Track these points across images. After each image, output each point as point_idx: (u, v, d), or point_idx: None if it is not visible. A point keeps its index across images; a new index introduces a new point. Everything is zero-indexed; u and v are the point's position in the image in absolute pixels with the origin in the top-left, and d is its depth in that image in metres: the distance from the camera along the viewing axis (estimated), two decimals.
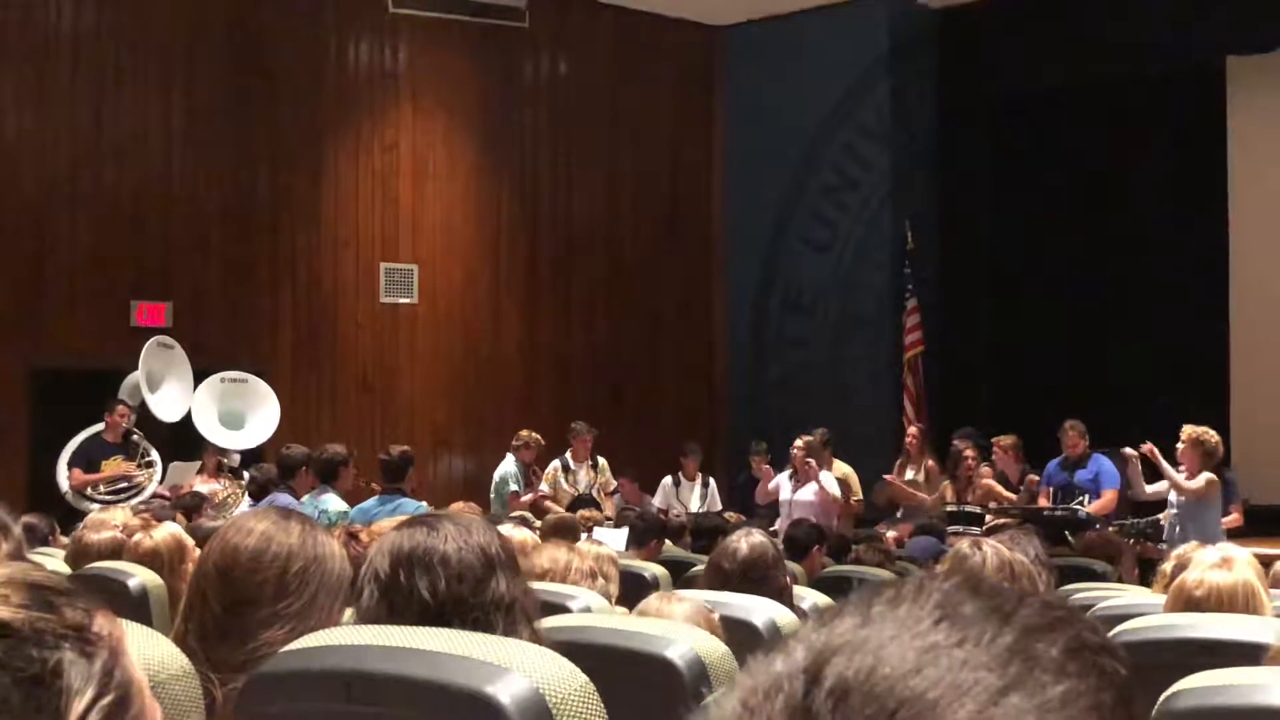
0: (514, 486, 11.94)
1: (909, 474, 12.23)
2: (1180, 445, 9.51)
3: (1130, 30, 13.42)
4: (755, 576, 4.22)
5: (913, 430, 12.67)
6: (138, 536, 4.69)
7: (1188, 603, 3.10)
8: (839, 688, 0.78)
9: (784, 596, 4.16)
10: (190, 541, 4.74)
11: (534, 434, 12.16)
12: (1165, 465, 9.49)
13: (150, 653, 1.93)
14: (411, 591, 2.32)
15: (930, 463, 12.07)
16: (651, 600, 3.29)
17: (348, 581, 2.55)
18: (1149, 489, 9.82)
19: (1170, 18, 13.20)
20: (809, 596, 4.57)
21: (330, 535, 2.67)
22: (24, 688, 1.09)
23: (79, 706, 1.10)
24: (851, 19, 14.59)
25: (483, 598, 2.33)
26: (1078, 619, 0.84)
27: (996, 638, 0.80)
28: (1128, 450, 9.92)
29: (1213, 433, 9.53)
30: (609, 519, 10.93)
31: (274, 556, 2.50)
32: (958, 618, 0.81)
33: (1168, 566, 4.05)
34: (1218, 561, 3.28)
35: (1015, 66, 14.49)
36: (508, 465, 12.16)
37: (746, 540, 4.37)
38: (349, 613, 2.52)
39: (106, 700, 1.12)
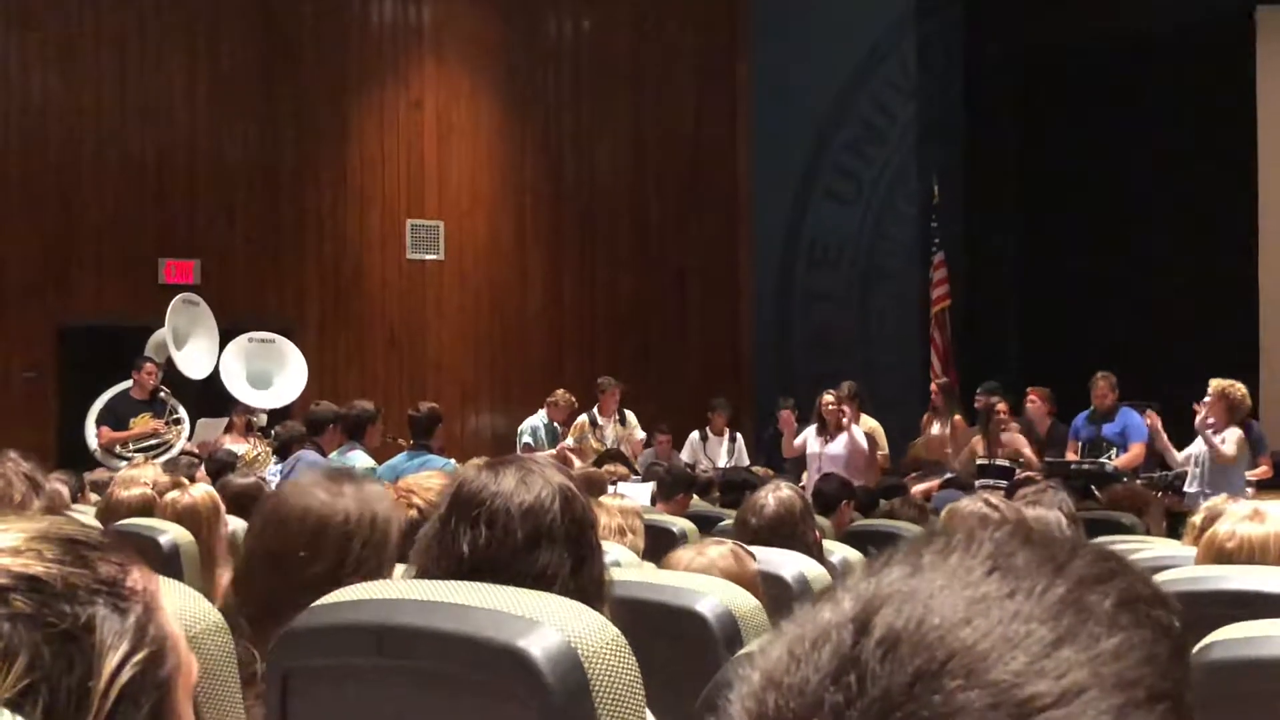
0: (528, 440, 11.96)
1: (934, 428, 12.20)
2: (1207, 399, 9.46)
3: None
4: (784, 532, 4.21)
5: (935, 385, 12.62)
6: (173, 494, 4.71)
7: (1219, 555, 3.09)
8: (888, 638, 0.77)
9: (813, 551, 4.16)
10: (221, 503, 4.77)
11: (569, 395, 12.17)
12: (1172, 453, 9.50)
13: (182, 608, 1.94)
14: (455, 540, 2.23)
15: (957, 417, 12.02)
16: (682, 551, 3.29)
17: (398, 539, 2.50)
18: (1180, 455, 9.78)
19: None
20: (838, 551, 4.57)
21: (380, 488, 2.60)
22: (56, 643, 1.09)
23: (112, 661, 1.10)
24: None
25: (521, 566, 2.20)
26: (1130, 570, 0.83)
27: (1049, 589, 0.79)
28: (1147, 421, 9.93)
29: (1239, 385, 9.48)
30: (636, 474, 10.97)
31: (327, 531, 2.43)
32: (1010, 568, 0.80)
33: (1197, 519, 4.03)
34: (1249, 514, 3.27)
35: (1042, 19, 14.36)
36: (535, 419, 12.19)
37: (774, 495, 4.36)
38: (399, 568, 2.49)
39: (140, 655, 1.12)
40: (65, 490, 6.08)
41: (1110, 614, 0.79)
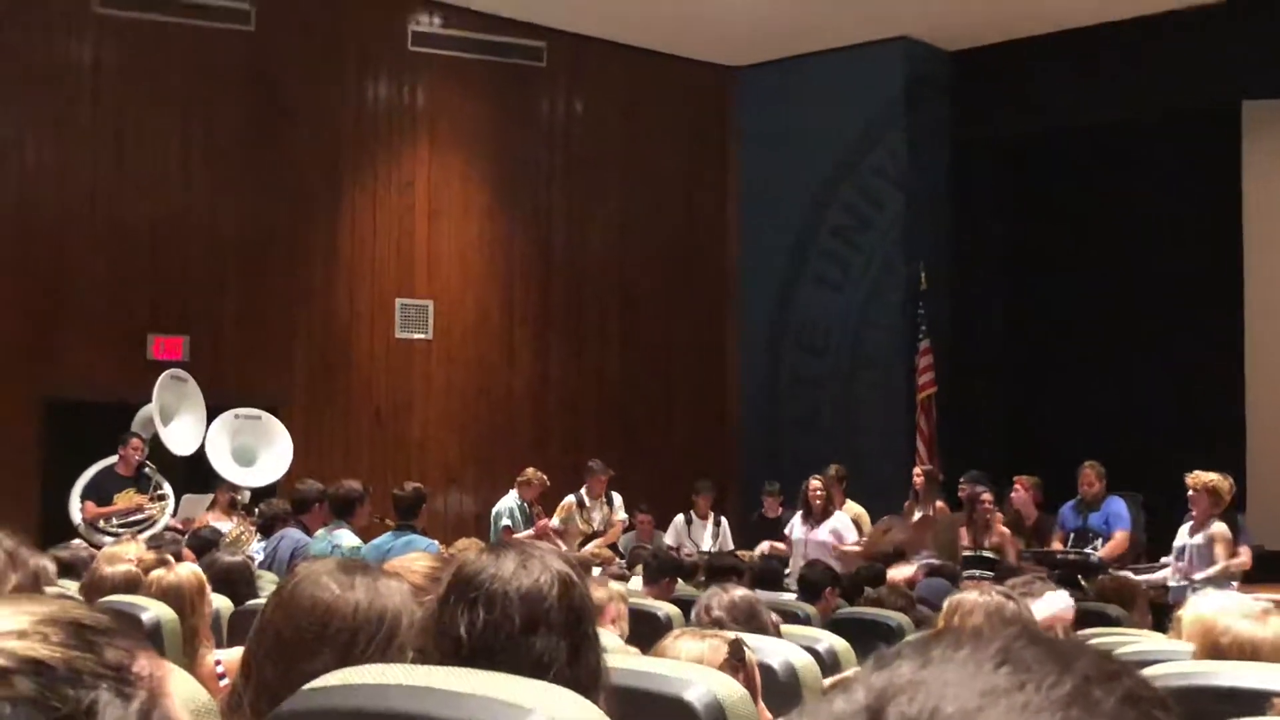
0: (506, 521, 11.93)
1: (916, 515, 12.18)
2: (1190, 492, 9.49)
3: (1145, 73, 13.46)
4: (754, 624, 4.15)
5: (917, 471, 12.61)
6: (159, 572, 4.70)
7: (1213, 650, 3.09)
8: None
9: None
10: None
11: (540, 474, 12.14)
12: (1203, 570, 9.51)
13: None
14: (453, 621, 2.21)
15: (939, 503, 12.01)
16: (669, 638, 3.27)
17: (406, 633, 2.46)
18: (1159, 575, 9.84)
19: (1186, 61, 13.24)
20: (824, 639, 4.54)
21: (398, 584, 2.57)
22: None
23: None
24: (866, 60, 14.65)
25: (518, 651, 2.18)
26: (1131, 671, 0.86)
27: (1057, 684, 0.80)
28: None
29: (1220, 478, 9.51)
30: (621, 557, 10.95)
31: (334, 623, 2.40)
32: (1019, 662, 0.82)
33: (1184, 614, 4.04)
34: (1247, 611, 3.28)
35: (1029, 108, 14.53)
36: (508, 500, 12.15)
37: (720, 598, 4.26)
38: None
39: None
40: (52, 567, 6.05)
41: (1114, 710, 0.80)
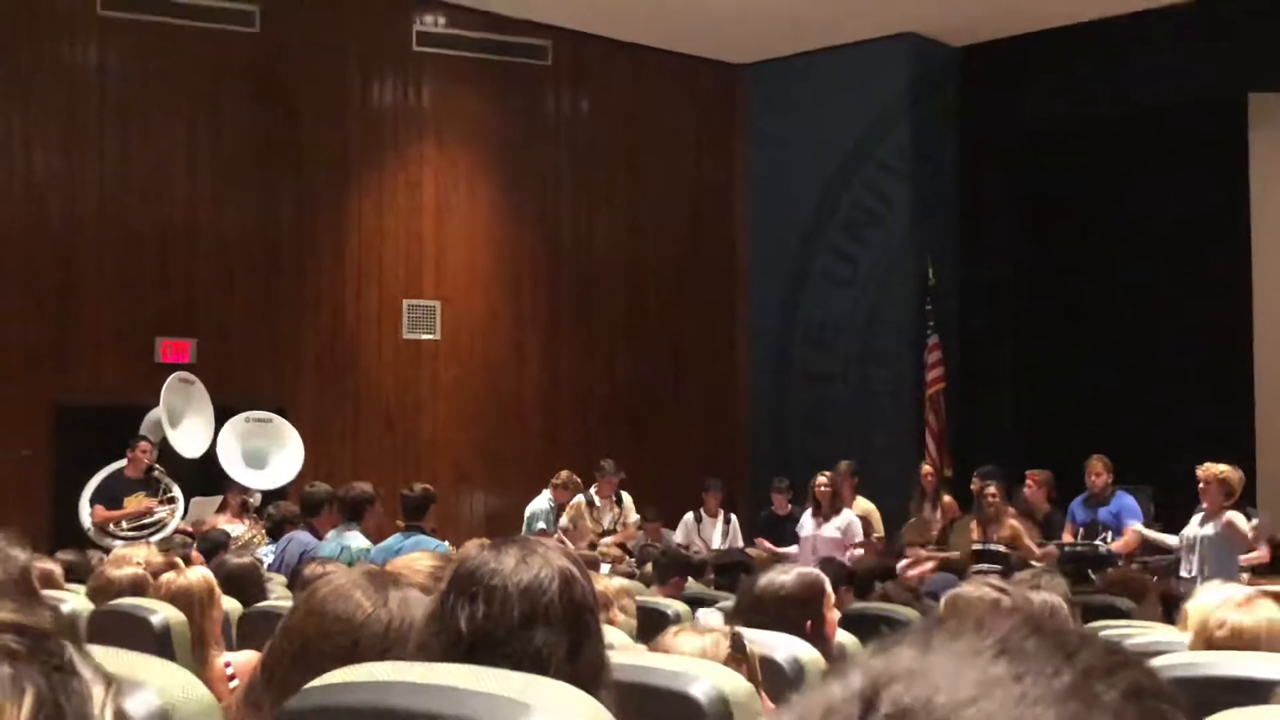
0: (541, 525, 11.95)
1: (925, 511, 12.18)
2: (1201, 484, 9.46)
3: (1152, 66, 13.43)
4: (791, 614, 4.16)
5: (926, 468, 12.61)
6: (168, 575, 4.70)
7: (1210, 641, 3.09)
8: (895, 715, 0.78)
9: (816, 636, 4.12)
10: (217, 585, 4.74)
11: (574, 476, 12.16)
12: (1164, 540, 9.51)
13: (174, 686, 1.93)
14: (453, 615, 2.22)
15: (947, 499, 12.00)
16: (669, 634, 3.27)
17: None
18: (1172, 539, 9.82)
19: (1192, 54, 13.21)
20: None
21: (419, 594, 2.57)
22: (55, 676, 1.11)
23: (99, 695, 1.12)
24: (873, 56, 14.64)
25: (517, 645, 2.18)
26: (1137, 663, 0.84)
27: (1056, 675, 0.79)
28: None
29: (1231, 470, 9.49)
30: (631, 555, 10.95)
31: (364, 631, 2.41)
32: (1019, 653, 0.81)
33: (1191, 605, 4.03)
34: (1241, 600, 3.27)
35: (1037, 103, 14.51)
36: (541, 502, 12.21)
37: (782, 577, 4.30)
38: None
39: (114, 690, 1.14)
40: (58, 569, 6.07)
41: (1116, 704, 0.79)
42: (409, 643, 2.40)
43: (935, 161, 14.82)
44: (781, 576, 4.22)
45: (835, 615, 4.10)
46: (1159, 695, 0.82)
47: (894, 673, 0.80)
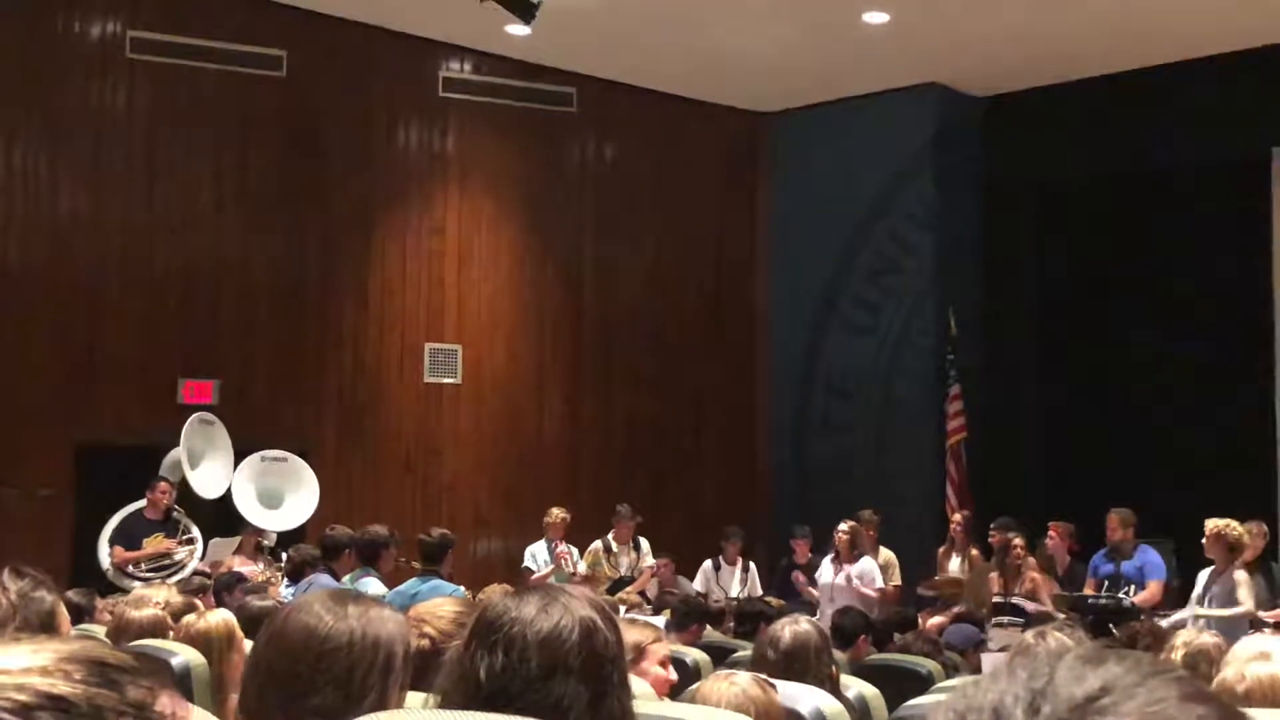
0: (527, 563, 12.09)
1: (954, 561, 12.13)
2: (1205, 540, 9.43)
3: (1176, 120, 13.44)
4: (798, 667, 4.18)
5: (957, 518, 12.57)
6: (189, 618, 4.69)
7: (1231, 699, 3.05)
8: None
9: (829, 685, 4.12)
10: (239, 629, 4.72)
11: (562, 511, 12.29)
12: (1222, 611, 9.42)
13: None
14: (473, 664, 2.20)
15: (975, 551, 11.96)
16: (709, 683, 3.25)
17: (404, 662, 2.44)
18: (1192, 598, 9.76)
19: (1216, 108, 13.22)
20: (854, 685, 4.52)
21: (390, 611, 2.55)
22: None
23: None
24: (897, 106, 14.67)
25: (536, 696, 2.15)
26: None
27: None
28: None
29: (1236, 525, 9.44)
30: (648, 601, 10.91)
31: (327, 653, 2.36)
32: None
33: (1177, 655, 4.08)
34: (1255, 655, 3.25)
35: (1060, 154, 14.51)
36: (538, 544, 12.31)
37: (790, 628, 4.33)
38: (414, 695, 2.45)
39: None
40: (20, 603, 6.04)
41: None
42: (379, 655, 2.36)
43: (959, 211, 14.81)
44: (778, 631, 4.23)
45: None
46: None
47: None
